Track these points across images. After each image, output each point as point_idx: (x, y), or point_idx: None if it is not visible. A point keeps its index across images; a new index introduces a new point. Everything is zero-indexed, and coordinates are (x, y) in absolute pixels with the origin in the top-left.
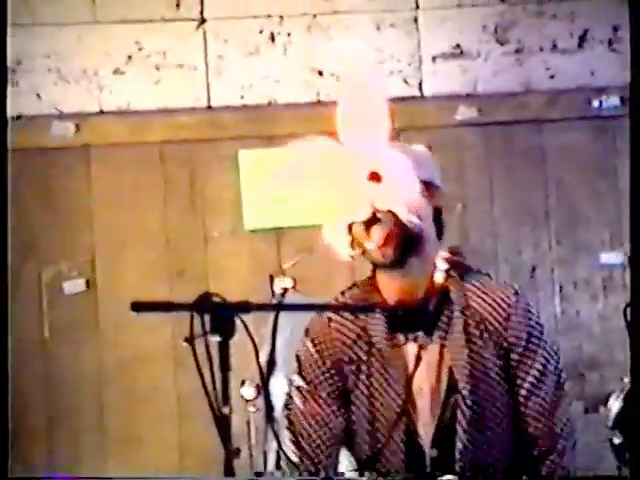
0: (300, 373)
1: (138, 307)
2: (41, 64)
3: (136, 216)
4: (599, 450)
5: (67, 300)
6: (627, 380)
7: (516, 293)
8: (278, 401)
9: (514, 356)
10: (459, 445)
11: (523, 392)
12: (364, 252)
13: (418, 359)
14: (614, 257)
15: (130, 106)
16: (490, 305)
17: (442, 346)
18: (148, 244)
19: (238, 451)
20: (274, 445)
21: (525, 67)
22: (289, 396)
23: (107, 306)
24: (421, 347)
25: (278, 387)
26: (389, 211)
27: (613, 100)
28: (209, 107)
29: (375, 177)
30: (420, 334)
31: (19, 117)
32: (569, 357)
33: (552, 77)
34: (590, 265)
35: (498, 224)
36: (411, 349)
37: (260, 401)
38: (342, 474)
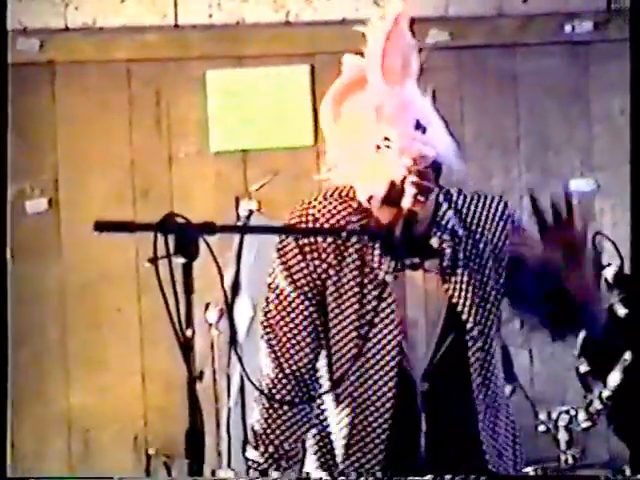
0: (281, 265)
1: (101, 227)
2: None
3: (101, 135)
4: (565, 378)
5: (30, 219)
6: None
7: (504, 203)
8: (241, 324)
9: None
10: (475, 384)
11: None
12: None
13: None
14: (584, 184)
15: (96, 23)
16: (488, 218)
17: (442, 276)
18: (112, 164)
19: (201, 374)
20: (238, 368)
21: None
22: (266, 300)
23: (70, 226)
24: (420, 273)
25: (242, 310)
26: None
27: (586, 25)
28: (176, 25)
29: (420, 126)
30: (418, 261)
31: None
32: None
33: (525, 1)
34: (560, 192)
35: (469, 148)
36: (409, 277)
37: (224, 324)
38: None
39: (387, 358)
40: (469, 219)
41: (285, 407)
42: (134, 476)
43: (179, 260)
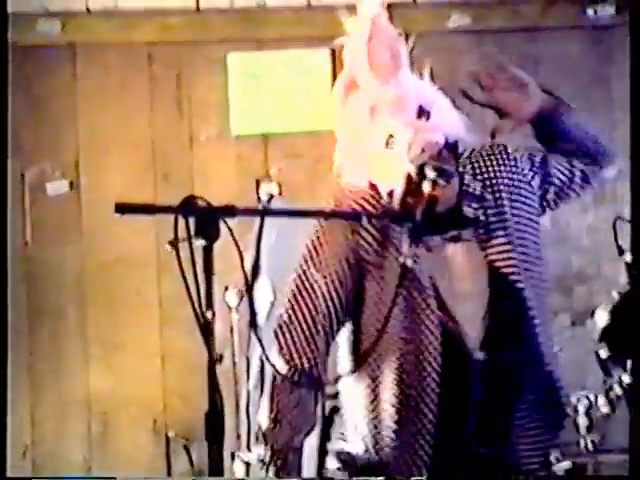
0: (308, 261)
1: (122, 209)
2: None
3: (122, 117)
4: (585, 363)
5: (50, 201)
6: (615, 293)
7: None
8: (261, 307)
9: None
10: (541, 341)
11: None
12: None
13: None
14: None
15: (117, 5)
16: (501, 168)
17: (480, 244)
18: (133, 146)
19: (221, 357)
20: (257, 351)
21: None
22: (293, 292)
23: (91, 208)
24: (460, 246)
25: (262, 293)
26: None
27: (608, 9)
28: (197, 8)
29: (423, 112)
30: (455, 233)
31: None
32: (558, 270)
33: None
34: None
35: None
36: (451, 251)
37: (243, 307)
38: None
39: (431, 337)
40: (486, 178)
41: (293, 400)
42: (136, 476)
43: (199, 242)
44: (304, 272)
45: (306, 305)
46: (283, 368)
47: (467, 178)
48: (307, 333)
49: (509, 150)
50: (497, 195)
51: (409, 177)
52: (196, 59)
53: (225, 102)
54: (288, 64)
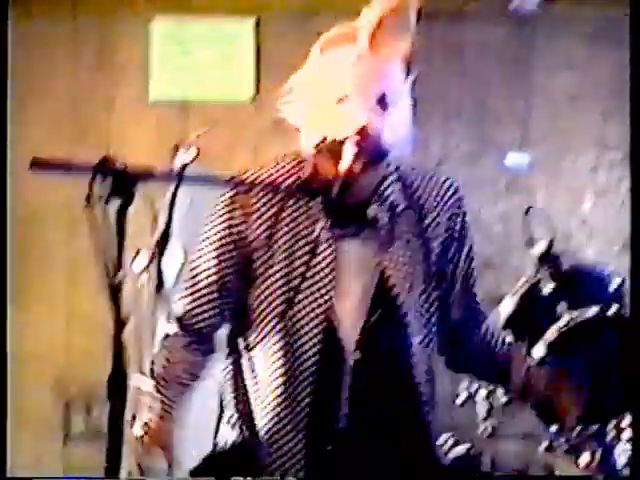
0: (204, 230)
1: (38, 165)
2: None
3: (44, 67)
4: None
5: None
6: (521, 282)
7: (455, 187)
8: (171, 271)
9: (453, 245)
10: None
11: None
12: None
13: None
14: (520, 157)
15: None
16: (438, 197)
17: (377, 247)
18: (52, 100)
19: (127, 320)
20: (164, 315)
21: None
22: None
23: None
24: (356, 243)
25: (172, 257)
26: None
27: None
28: None
29: (383, 102)
30: (354, 230)
31: None
32: None
33: None
34: (496, 164)
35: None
36: (345, 245)
37: (153, 270)
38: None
39: (315, 321)
40: (416, 196)
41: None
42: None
43: (114, 203)
44: (201, 241)
45: (198, 272)
46: (175, 327)
47: (388, 182)
48: (200, 299)
49: (458, 190)
50: (417, 212)
51: (324, 138)
52: (121, 21)
53: (146, 66)
54: (212, 31)
